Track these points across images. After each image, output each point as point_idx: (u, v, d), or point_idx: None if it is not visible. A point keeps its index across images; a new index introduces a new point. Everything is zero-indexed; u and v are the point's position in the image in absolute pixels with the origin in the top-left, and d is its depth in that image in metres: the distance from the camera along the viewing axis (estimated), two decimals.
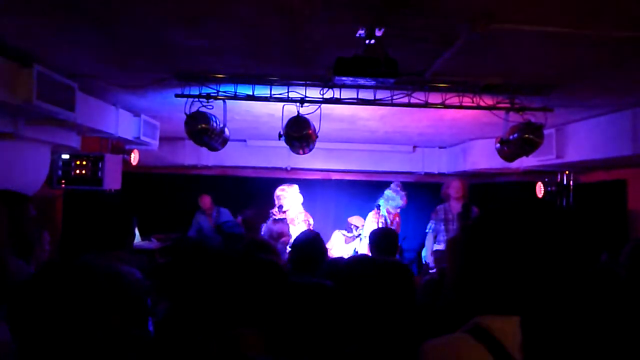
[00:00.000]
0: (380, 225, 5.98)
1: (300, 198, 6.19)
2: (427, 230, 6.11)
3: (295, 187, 6.16)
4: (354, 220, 6.45)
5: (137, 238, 6.98)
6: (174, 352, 2.34)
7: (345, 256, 5.04)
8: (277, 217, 5.17)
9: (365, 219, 6.38)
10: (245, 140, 7.69)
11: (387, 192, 6.20)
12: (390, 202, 6.12)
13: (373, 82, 3.13)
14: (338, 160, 7.92)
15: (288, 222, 5.61)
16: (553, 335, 0.94)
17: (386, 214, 6.05)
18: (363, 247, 6.06)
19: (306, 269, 2.99)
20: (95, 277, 1.53)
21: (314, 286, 1.77)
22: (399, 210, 6.26)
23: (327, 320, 1.62)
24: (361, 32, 2.74)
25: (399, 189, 6.20)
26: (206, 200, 7.25)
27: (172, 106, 4.86)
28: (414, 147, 8.01)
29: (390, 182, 6.67)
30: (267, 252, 3.13)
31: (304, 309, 1.64)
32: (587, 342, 0.89)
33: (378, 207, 6.03)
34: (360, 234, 6.26)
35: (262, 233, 5.29)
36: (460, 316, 1.40)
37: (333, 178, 8.36)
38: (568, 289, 0.99)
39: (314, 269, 3.04)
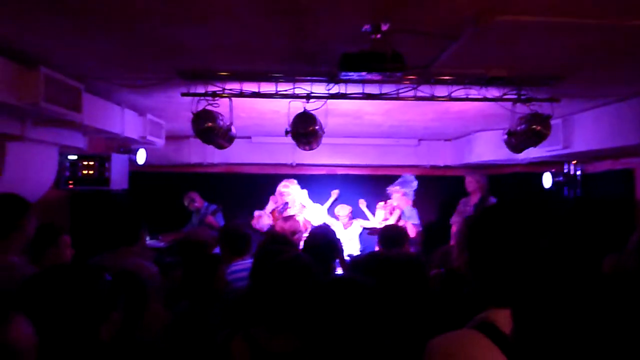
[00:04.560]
0: (389, 215, 6.12)
1: (304, 193, 6.20)
2: (450, 223, 6.32)
3: (295, 182, 6.19)
4: (338, 209, 6.77)
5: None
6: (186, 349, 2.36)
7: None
8: (286, 215, 5.15)
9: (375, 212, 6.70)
10: (250, 137, 7.69)
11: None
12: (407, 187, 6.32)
13: (379, 77, 3.13)
14: (343, 155, 7.91)
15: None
16: (544, 327, 0.94)
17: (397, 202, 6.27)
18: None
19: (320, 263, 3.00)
20: (91, 277, 1.55)
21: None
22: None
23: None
24: (367, 27, 2.74)
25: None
26: (195, 197, 7.10)
27: (178, 105, 4.86)
28: (419, 140, 7.99)
29: (396, 176, 6.73)
30: (286, 245, 3.16)
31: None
32: (578, 338, 0.89)
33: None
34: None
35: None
36: (473, 308, 1.40)
37: (338, 173, 8.35)
38: (567, 282, 0.99)
39: (328, 263, 3.05)
